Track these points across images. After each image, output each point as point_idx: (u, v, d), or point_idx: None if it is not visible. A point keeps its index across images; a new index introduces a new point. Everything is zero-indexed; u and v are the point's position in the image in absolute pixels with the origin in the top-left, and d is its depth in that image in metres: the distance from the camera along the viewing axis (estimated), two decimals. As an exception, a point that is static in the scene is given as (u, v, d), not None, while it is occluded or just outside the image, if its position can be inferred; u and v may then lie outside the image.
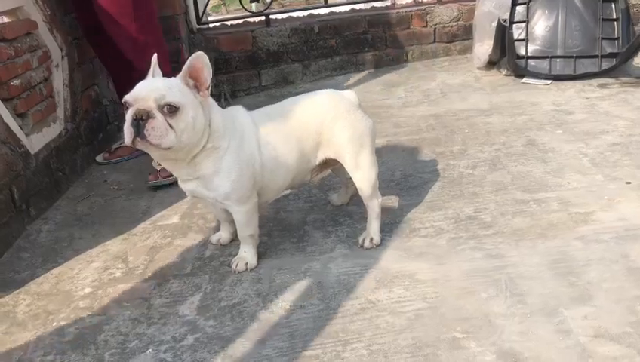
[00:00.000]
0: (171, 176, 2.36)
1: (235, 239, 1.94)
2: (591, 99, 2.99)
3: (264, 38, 3.63)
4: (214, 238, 1.97)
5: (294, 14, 3.85)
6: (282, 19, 3.78)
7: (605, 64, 3.28)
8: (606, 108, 2.82)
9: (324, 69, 3.83)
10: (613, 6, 3.34)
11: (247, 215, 1.73)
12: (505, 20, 2.99)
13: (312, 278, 1.70)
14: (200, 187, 1.68)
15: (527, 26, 3.42)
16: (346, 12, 3.92)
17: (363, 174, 1.80)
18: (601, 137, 2.47)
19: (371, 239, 1.83)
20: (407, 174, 2.32)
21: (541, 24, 3.41)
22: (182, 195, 2.25)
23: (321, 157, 1.82)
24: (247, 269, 1.77)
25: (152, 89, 1.53)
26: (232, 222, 1.92)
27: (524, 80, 3.38)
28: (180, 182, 1.74)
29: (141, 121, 1.48)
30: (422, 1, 4.01)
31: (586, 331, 1.37)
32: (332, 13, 3.91)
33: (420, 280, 1.63)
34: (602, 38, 3.31)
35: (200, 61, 1.54)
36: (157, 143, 1.49)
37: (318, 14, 3.88)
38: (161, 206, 2.30)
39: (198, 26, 3.58)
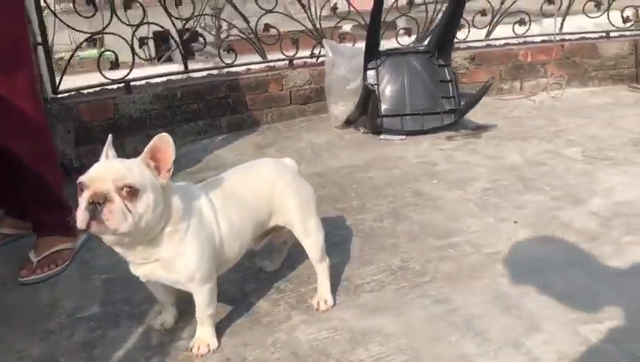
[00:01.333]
0: (53, 269, 2.16)
1: (178, 321, 1.84)
2: (445, 150, 3.39)
3: (126, 106, 3.49)
4: (157, 323, 1.83)
5: (152, 80, 3.76)
6: (142, 85, 3.67)
7: (447, 119, 3.76)
8: (462, 158, 3.23)
9: (189, 134, 3.78)
10: (446, 70, 3.86)
11: (210, 294, 1.66)
12: (372, 85, 3.28)
13: (285, 350, 1.68)
14: (159, 270, 1.59)
15: (378, 88, 3.79)
16: (203, 77, 3.94)
17: (312, 239, 1.85)
18: (472, 184, 2.83)
19: (325, 301, 1.87)
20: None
21: (390, 86, 3.81)
22: (89, 282, 2.07)
23: (271, 224, 1.83)
24: (209, 351, 1.69)
25: (109, 169, 1.44)
26: (174, 304, 1.83)
27: (381, 136, 3.71)
28: (132, 267, 1.61)
29: (98, 205, 1.38)
30: (274, 66, 4.20)
31: (551, 356, 1.57)
32: (190, 78, 3.90)
33: (389, 334, 1.71)
34: (441, 97, 3.79)
35: (164, 142, 1.48)
36: (114, 228, 1.40)
37: (177, 79, 3.83)
38: (69, 296, 2.07)
39: (52, 95, 3.31)
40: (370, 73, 3.80)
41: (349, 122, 3.93)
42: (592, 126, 3.68)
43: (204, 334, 1.70)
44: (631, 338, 1.61)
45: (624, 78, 4.65)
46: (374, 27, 3.60)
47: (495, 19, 4.58)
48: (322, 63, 4.18)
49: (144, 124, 3.54)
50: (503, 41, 4.68)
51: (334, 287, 1.97)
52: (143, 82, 3.67)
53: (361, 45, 4.00)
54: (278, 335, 1.74)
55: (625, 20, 4.67)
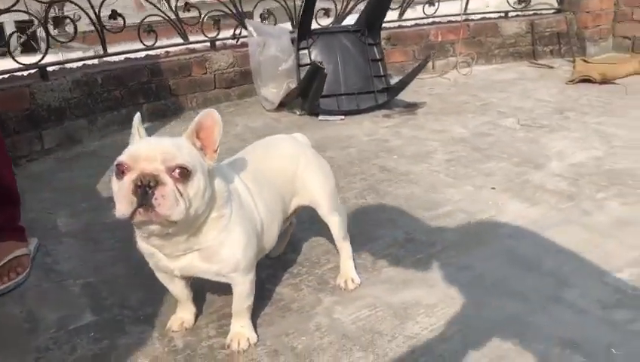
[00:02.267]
0: (14, 279, 1.88)
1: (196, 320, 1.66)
2: (390, 127, 3.42)
3: (43, 94, 3.09)
4: (176, 324, 1.63)
5: (67, 65, 3.37)
6: (58, 71, 3.27)
7: (380, 98, 3.79)
8: (410, 133, 3.27)
9: (112, 123, 3.45)
10: (375, 49, 3.88)
11: (251, 284, 1.51)
12: (321, 63, 3.19)
13: (332, 333, 1.57)
14: (198, 261, 1.40)
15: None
16: (122, 61, 3.61)
17: (337, 216, 1.76)
18: (433, 157, 2.87)
19: (352, 279, 1.78)
20: (310, 215, 2.29)
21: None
22: (65, 289, 1.81)
23: (294, 205, 1.70)
24: (250, 345, 1.53)
25: (157, 147, 1.24)
26: (192, 301, 1.64)
27: (320, 117, 3.64)
28: (166, 261, 1.41)
29: (148, 188, 1.18)
30: (195, 49, 3.96)
31: (594, 306, 1.62)
32: (107, 62, 3.55)
33: (431, 305, 1.67)
34: (373, 76, 3.81)
35: (210, 118, 1.31)
36: (166, 215, 1.21)
37: (94, 64, 3.47)
38: (47, 307, 1.78)
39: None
40: (303, 53, 3.71)
41: (281, 105, 3.81)
42: (512, 99, 3.90)
43: (241, 328, 1.54)
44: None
45: (523, 55, 4.99)
46: (309, 5, 3.51)
47: (407, 1, 4.68)
48: (245, 45, 4.01)
49: (64, 114, 3.17)
50: (413, 22, 4.80)
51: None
52: (56, 67, 3.27)
53: (285, 25, 3.91)
54: (318, 320, 1.63)
55: (520, 1, 5.01)
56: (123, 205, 1.19)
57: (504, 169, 2.65)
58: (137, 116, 1.36)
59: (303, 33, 3.66)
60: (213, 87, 3.94)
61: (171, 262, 1.40)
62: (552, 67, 4.76)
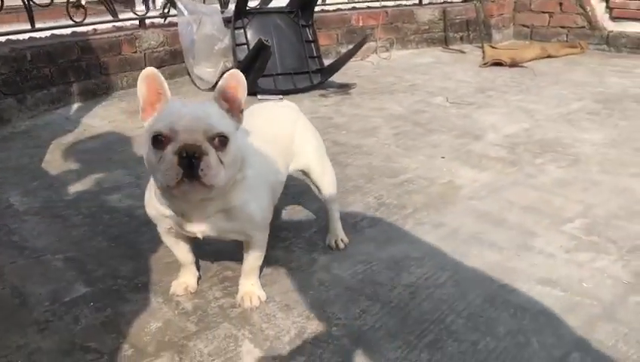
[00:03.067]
0: None
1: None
2: (330, 106, 3.53)
3: (-32, 69, 2.88)
4: (180, 289, 1.64)
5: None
6: (-19, 45, 3.05)
7: (315, 79, 3.89)
8: (351, 111, 3.41)
9: (42, 102, 3.27)
10: (308, 30, 3.97)
11: (266, 240, 1.56)
12: (267, 40, 3.22)
13: (336, 287, 1.66)
14: (223, 222, 1.42)
15: (248, 48, 3.73)
16: (49, 37, 3.43)
17: (329, 179, 1.84)
18: (380, 131, 3.02)
19: (342, 239, 1.87)
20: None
21: (259, 46, 3.77)
22: (45, 264, 1.77)
23: (290, 170, 1.76)
24: (262, 301, 1.59)
25: (197, 116, 1.22)
26: (195, 263, 1.67)
27: (259, 97, 3.68)
28: (186, 226, 1.42)
29: (193, 158, 1.18)
30: (123, 26, 3.84)
31: (560, 251, 1.83)
32: (33, 38, 3.36)
33: (419, 258, 1.80)
34: (308, 57, 3.90)
35: (234, 80, 1.28)
36: (212, 184, 1.21)
37: (21, 39, 3.27)
38: (33, 282, 1.71)
39: None
40: (239, 32, 3.72)
41: (217, 83, 3.79)
42: (435, 80, 4.16)
43: (251, 286, 1.59)
44: (604, 225, 1.95)
45: (436, 40, 5.30)
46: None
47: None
48: (175, 24, 3.94)
49: (-9, 91, 2.96)
50: (335, 7, 4.93)
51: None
52: (-21, 42, 3.04)
53: (214, 4, 3.90)
54: (319, 276, 1.71)
55: (432, -10, 5.30)
56: (168, 176, 1.18)
57: (447, 141, 2.85)
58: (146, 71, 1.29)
59: (239, 12, 3.66)
60: (143, 66, 3.81)
61: (195, 226, 1.41)
62: (463, 52, 5.09)
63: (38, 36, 3.34)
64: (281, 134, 1.69)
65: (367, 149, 2.74)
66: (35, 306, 1.59)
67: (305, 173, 1.80)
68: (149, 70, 1.25)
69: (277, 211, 2.08)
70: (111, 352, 1.40)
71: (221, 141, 1.22)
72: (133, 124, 3.13)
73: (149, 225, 1.98)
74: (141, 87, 1.26)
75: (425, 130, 3.02)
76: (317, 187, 1.83)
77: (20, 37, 3.24)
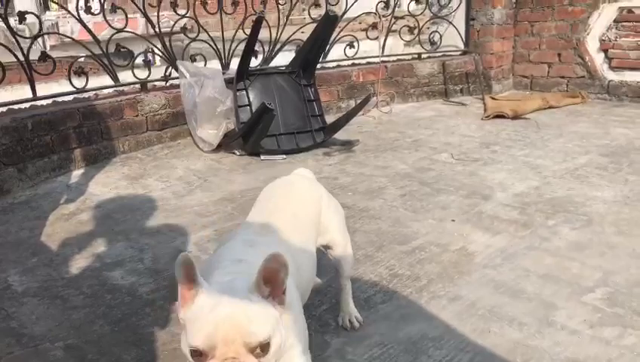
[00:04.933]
0: None
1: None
2: (334, 165, 3.49)
3: (-31, 141, 2.85)
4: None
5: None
6: (-18, 116, 3.03)
7: (318, 137, 3.86)
8: (355, 170, 3.36)
9: (43, 171, 3.24)
10: (310, 89, 3.98)
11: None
12: (270, 103, 3.20)
13: (353, 374, 1.57)
14: None
15: (250, 110, 3.72)
16: (50, 105, 3.42)
17: (350, 252, 1.78)
18: (386, 192, 2.97)
19: (356, 317, 1.79)
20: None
21: (262, 107, 3.76)
22: (36, 358, 1.69)
23: (317, 246, 1.65)
24: None
25: (235, 327, 1.07)
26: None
27: (262, 157, 3.65)
28: None
29: None
30: (124, 90, 3.85)
31: (582, 325, 1.75)
32: (35, 106, 3.35)
33: (437, 337, 1.72)
34: (310, 116, 3.89)
35: (277, 261, 1.12)
36: None
37: (22, 108, 3.26)
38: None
39: None
40: (240, 94, 3.71)
41: (219, 146, 3.77)
42: (439, 135, 4.13)
43: None
44: (627, 295, 1.87)
45: (436, 93, 5.31)
46: (250, 46, 3.54)
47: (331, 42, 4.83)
48: (176, 86, 3.95)
49: (-8, 162, 2.92)
50: (335, 63, 4.96)
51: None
52: (-20, 112, 3.03)
53: (215, 66, 3.92)
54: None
55: (431, 43, 5.36)
56: None
57: (456, 201, 2.79)
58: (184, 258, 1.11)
59: (241, 74, 3.66)
60: (145, 130, 3.82)
61: None
62: (464, 104, 5.10)
63: (39, 104, 3.32)
64: (308, 214, 1.59)
65: (374, 213, 2.68)
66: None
67: (328, 247, 1.72)
68: (185, 257, 1.11)
69: (286, 288, 1.99)
70: None
71: (263, 347, 1.09)
72: (134, 191, 3.09)
73: (152, 305, 1.91)
74: (178, 274, 1.11)
75: (432, 189, 2.97)
76: (337, 261, 1.75)
77: (22, 105, 3.22)
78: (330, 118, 4.13)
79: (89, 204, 2.94)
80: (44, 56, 3.14)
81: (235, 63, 3.98)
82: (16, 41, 3.06)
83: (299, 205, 1.59)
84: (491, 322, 1.78)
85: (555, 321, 1.77)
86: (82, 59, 3.46)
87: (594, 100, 5.01)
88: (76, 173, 3.39)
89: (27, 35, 3.16)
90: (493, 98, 4.96)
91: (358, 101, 4.84)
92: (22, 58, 3.06)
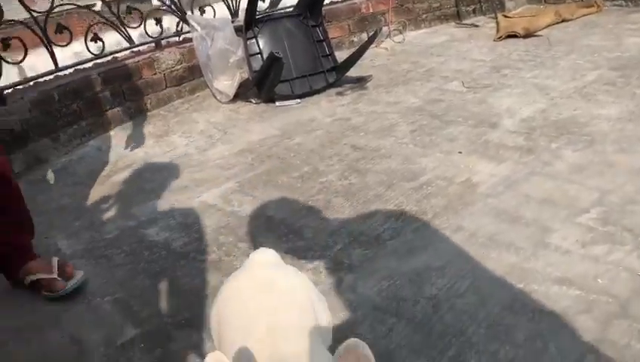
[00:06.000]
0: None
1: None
2: (347, 105, 3.60)
3: (3, 119, 3.06)
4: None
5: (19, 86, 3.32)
6: (12, 92, 3.23)
7: (330, 78, 3.95)
8: (367, 108, 3.47)
9: (74, 137, 3.45)
10: (318, 30, 4.03)
11: None
12: (278, 52, 3.31)
13: (362, 307, 1.77)
14: None
15: (262, 57, 3.82)
16: (72, 74, 3.59)
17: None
18: (397, 129, 3.09)
19: None
20: (307, 205, 2.47)
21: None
22: (90, 311, 1.92)
23: None
24: None
25: None
26: None
27: (277, 104, 3.77)
28: None
29: None
30: (140, 50, 3.98)
31: (577, 246, 1.90)
32: (58, 77, 3.52)
33: (440, 267, 1.89)
34: (321, 56, 3.96)
35: (354, 356, 0.96)
36: None
37: (47, 80, 3.44)
38: (86, 328, 1.87)
39: None
40: (250, 42, 3.80)
41: (236, 95, 3.91)
42: (450, 62, 4.17)
43: None
44: (620, 213, 2.00)
45: (449, 16, 5.27)
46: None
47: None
48: (189, 40, 4.06)
49: (27, 136, 3.15)
50: (343, -3, 4.95)
51: (357, 243, 2.08)
52: (9, 90, 3.23)
53: (223, 15, 3.98)
54: (346, 297, 1.82)
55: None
56: None
57: (464, 132, 2.90)
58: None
59: (249, 22, 3.74)
60: (164, 87, 3.97)
61: None
62: (477, 26, 5.06)
63: (62, 74, 3.50)
64: (308, 318, 1.24)
65: (385, 151, 2.82)
66: (92, 353, 1.75)
67: None
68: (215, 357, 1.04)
69: (298, 232, 2.19)
70: (164, 393, 1.54)
71: None
72: (160, 149, 3.28)
73: (186, 258, 2.13)
74: None
75: (441, 122, 3.08)
76: None
77: (46, 78, 3.40)
78: (343, 54, 4.20)
79: (120, 166, 3.15)
80: (60, 28, 3.28)
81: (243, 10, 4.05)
82: (31, 15, 3.20)
83: (296, 310, 1.22)
84: (490, 249, 1.94)
85: (550, 243, 1.92)
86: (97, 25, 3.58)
87: (610, 8, 4.91)
88: (105, 136, 3.59)
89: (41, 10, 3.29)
90: (506, 16, 4.91)
91: (370, 33, 4.88)
92: (41, 34, 3.20)
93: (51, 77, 3.44)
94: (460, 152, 2.68)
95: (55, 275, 2.02)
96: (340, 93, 3.82)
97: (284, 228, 2.25)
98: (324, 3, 4.57)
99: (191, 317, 1.83)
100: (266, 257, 1.37)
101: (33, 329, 1.87)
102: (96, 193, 2.85)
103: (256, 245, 2.14)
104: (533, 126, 2.83)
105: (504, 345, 1.53)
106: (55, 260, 2.08)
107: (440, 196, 2.33)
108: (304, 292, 1.27)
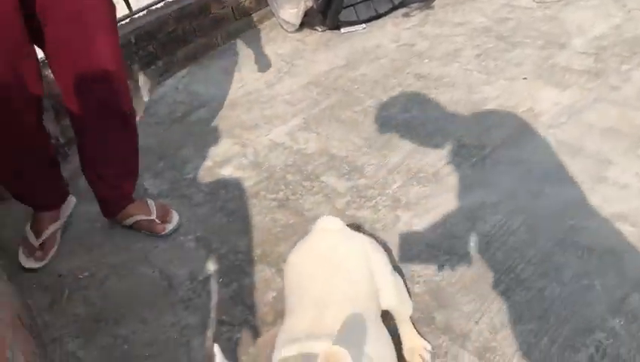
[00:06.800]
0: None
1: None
2: (412, 28, 3.54)
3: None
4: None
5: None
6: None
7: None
8: (433, 31, 3.41)
9: (152, 78, 3.64)
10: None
11: None
12: (337, -22, 3.28)
13: (417, 245, 1.89)
14: None
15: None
16: (145, 15, 3.74)
17: (406, 300, 1.51)
18: (462, 54, 3.04)
19: (424, 347, 1.50)
20: (366, 138, 2.55)
21: (336, -22, 3.80)
22: (177, 249, 2.13)
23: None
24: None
25: None
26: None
27: (343, 30, 3.77)
28: None
29: None
30: (207, -15, 4.04)
31: (631, 176, 1.89)
32: (133, 20, 3.69)
33: (495, 203, 1.95)
34: (385, -23, 3.86)
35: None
36: None
37: (122, 25, 3.61)
38: (174, 264, 2.12)
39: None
40: (312, -31, 3.77)
41: (302, 24, 3.93)
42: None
43: None
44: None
45: None
46: None
47: None
48: (253, -30, 4.06)
49: (110, 80, 3.37)
50: None
51: (416, 180, 2.16)
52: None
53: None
54: (402, 234, 1.94)
55: None
56: None
57: (531, 56, 2.82)
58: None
59: (310, -52, 3.69)
60: (232, 20, 4.05)
61: None
62: None
63: (137, 16, 3.66)
64: (364, 286, 1.27)
65: (448, 80, 2.81)
66: (179, 286, 2.00)
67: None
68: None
69: (360, 170, 2.30)
70: (240, 324, 1.77)
71: None
72: (232, 85, 3.42)
73: (257, 196, 2.32)
74: None
75: (508, 44, 3.00)
76: (394, 311, 1.44)
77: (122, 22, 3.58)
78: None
79: (195, 104, 3.34)
80: (130, -27, 3.41)
81: None
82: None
83: (350, 280, 1.24)
84: (546, 184, 1.98)
85: (608, 177, 1.93)
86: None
87: None
88: (181, 74, 3.77)
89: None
90: None
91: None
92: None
93: (127, 21, 3.61)
94: (525, 78, 2.64)
95: (154, 217, 2.25)
96: (405, 15, 3.76)
97: (347, 165, 2.36)
98: None
99: (262, 254, 2.03)
100: (329, 225, 1.40)
101: (128, 266, 2.14)
102: (175, 133, 3.06)
103: (319, 184, 2.28)
104: (604, 45, 2.71)
105: (552, 281, 1.62)
106: (152, 203, 2.30)
107: (501, 128, 2.34)
108: (361, 264, 1.28)
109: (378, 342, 1.13)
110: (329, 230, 1.38)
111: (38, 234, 2.19)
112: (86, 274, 2.15)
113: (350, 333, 1.07)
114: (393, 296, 1.35)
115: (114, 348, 1.82)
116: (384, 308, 1.35)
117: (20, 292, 1.99)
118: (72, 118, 2.08)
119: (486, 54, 2.95)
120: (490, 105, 2.50)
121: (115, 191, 2.24)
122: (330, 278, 1.22)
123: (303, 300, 1.21)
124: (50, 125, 3.01)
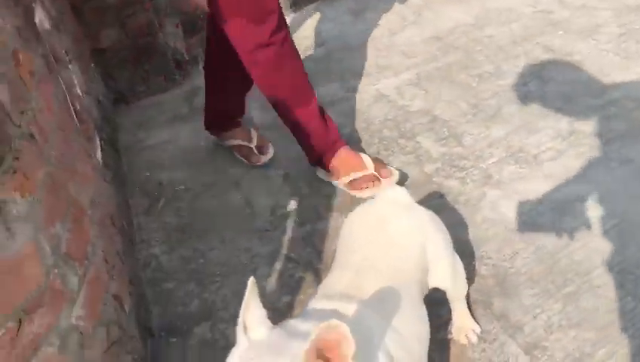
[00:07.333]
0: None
1: None
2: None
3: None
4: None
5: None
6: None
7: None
8: (581, 1, 3.12)
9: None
10: None
11: None
12: None
13: (497, 225, 1.83)
14: None
15: None
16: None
17: (460, 281, 1.46)
18: (602, 31, 2.78)
19: (473, 330, 1.52)
20: (482, 108, 2.44)
21: None
22: (265, 181, 2.19)
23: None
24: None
25: None
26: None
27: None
28: None
29: None
30: None
31: None
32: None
33: (594, 201, 1.83)
34: None
35: (335, 333, 0.82)
36: None
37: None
38: (259, 195, 2.21)
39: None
40: None
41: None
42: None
43: None
44: None
45: None
46: None
47: None
48: None
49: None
50: None
51: (514, 159, 2.07)
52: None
53: None
54: (484, 213, 1.89)
55: None
56: None
57: (683, 45, 2.53)
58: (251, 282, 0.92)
59: None
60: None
61: None
62: None
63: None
64: (413, 262, 1.26)
65: (579, 58, 2.61)
66: (259, 216, 2.11)
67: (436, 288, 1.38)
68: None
69: (459, 137, 2.23)
70: (305, 264, 1.85)
71: None
72: (355, 27, 3.39)
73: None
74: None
75: (659, 27, 2.70)
76: (447, 291, 1.43)
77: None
78: None
79: (317, 41, 3.36)
80: None
81: None
82: None
83: (397, 253, 1.24)
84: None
85: None
86: None
87: None
88: (308, 9, 3.79)
89: None
90: None
91: None
92: None
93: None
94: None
95: (253, 145, 2.36)
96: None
97: (446, 130, 2.30)
98: None
99: (341, 203, 2.07)
100: (394, 196, 1.38)
101: (220, 187, 2.27)
102: (290, 68, 3.11)
103: (414, 144, 2.25)
104: None
105: (627, 295, 1.53)
106: (255, 133, 2.41)
107: (622, 119, 2.16)
108: (414, 240, 1.27)
109: (411, 319, 1.14)
110: (394, 200, 1.37)
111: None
112: (182, 187, 2.31)
113: (380, 303, 1.09)
114: (447, 276, 1.34)
115: (192, 260, 1.97)
116: (436, 286, 1.34)
117: (121, 194, 2.19)
118: None
119: (629, 35, 2.68)
120: (617, 94, 2.30)
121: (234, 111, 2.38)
122: (378, 247, 1.23)
123: (348, 261, 1.22)
124: (178, 42, 3.20)
